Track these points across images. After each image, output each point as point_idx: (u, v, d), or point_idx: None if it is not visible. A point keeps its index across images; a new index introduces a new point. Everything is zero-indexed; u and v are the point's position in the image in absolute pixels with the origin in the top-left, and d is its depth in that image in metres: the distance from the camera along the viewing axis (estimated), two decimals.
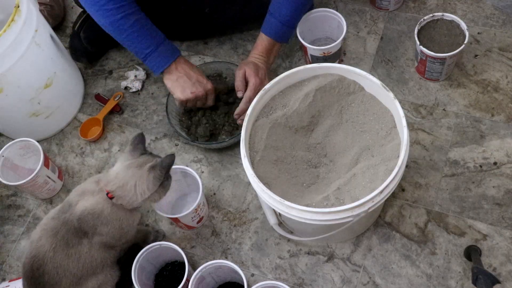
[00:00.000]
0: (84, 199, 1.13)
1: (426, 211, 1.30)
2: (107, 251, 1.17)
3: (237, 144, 1.38)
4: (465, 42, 1.35)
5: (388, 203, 1.32)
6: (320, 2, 1.63)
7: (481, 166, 1.34)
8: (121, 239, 1.18)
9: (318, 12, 1.46)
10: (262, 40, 1.38)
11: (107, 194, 1.12)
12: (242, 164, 1.18)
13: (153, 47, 1.32)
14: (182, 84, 1.34)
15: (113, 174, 1.13)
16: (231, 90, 1.43)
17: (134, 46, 1.33)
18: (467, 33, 1.36)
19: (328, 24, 1.49)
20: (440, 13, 1.40)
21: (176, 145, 1.49)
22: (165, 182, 1.15)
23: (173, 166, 1.30)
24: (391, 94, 1.14)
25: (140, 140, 1.17)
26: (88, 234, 1.13)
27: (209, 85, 1.36)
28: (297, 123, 1.21)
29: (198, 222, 1.34)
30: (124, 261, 1.25)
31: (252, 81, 1.34)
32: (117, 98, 1.56)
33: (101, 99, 1.59)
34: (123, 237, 1.18)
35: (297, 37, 1.43)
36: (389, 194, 1.06)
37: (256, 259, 1.31)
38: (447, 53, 1.35)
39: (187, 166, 1.37)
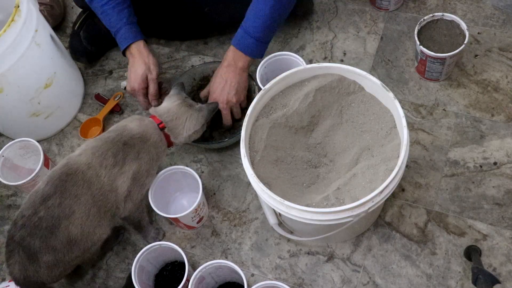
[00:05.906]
0: (133, 123, 1.21)
1: (426, 211, 1.30)
2: (107, 218, 1.19)
3: (237, 144, 1.38)
4: (465, 42, 1.35)
5: (388, 203, 1.32)
6: (315, 9, 1.62)
7: (481, 166, 1.33)
8: (147, 180, 1.23)
9: (281, 56, 1.42)
10: (228, 50, 1.35)
11: (160, 123, 1.23)
12: (242, 164, 1.18)
13: (114, 31, 1.39)
14: (128, 75, 1.41)
15: (164, 109, 1.26)
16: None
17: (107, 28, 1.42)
18: (467, 33, 1.36)
19: (291, 67, 1.44)
20: (440, 13, 1.40)
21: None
22: (205, 124, 1.30)
23: (173, 166, 1.31)
24: (391, 94, 1.14)
25: (182, 87, 1.32)
26: (126, 160, 1.17)
27: (135, 85, 1.38)
28: (297, 123, 1.21)
29: (198, 222, 1.34)
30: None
31: (222, 107, 1.35)
32: (117, 98, 1.56)
33: (101, 99, 1.59)
34: (150, 174, 1.23)
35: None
36: (389, 194, 1.06)
37: (256, 259, 1.31)
38: (447, 53, 1.35)
39: (187, 166, 1.37)
